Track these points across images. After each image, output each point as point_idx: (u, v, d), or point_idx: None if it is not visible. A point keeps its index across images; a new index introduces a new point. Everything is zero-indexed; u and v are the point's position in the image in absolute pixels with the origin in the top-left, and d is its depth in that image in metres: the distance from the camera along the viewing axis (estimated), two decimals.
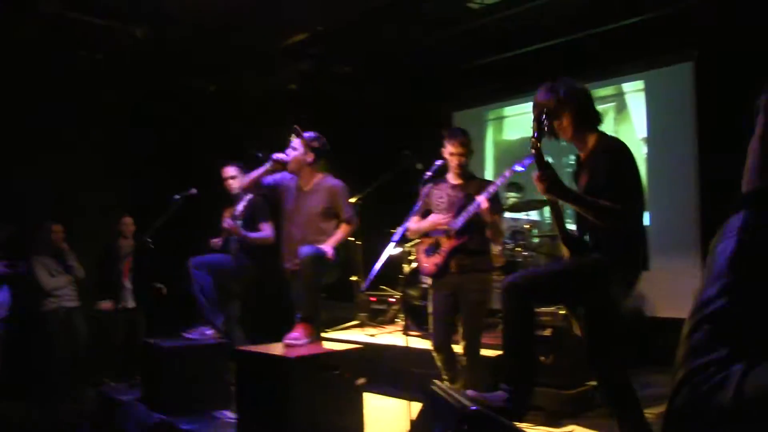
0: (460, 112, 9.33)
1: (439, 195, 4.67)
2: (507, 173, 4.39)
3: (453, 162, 4.60)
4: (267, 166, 4.84)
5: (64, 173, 6.94)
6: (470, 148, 4.65)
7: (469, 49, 7.72)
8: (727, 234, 0.98)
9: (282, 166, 4.83)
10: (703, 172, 6.72)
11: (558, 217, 3.40)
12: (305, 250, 4.55)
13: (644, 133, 7.37)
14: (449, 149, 4.59)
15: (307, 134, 4.87)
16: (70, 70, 6.49)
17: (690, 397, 0.91)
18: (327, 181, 4.94)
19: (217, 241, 5.98)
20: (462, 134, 4.62)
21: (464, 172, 4.66)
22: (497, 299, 3.60)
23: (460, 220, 4.46)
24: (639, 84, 7.47)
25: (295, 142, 4.90)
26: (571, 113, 3.36)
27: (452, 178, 4.68)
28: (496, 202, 4.46)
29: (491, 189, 4.35)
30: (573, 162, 3.70)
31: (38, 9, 5.54)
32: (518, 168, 4.31)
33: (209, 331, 5.39)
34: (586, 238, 3.41)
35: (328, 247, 4.65)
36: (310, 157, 4.87)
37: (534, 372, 3.38)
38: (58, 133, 6.77)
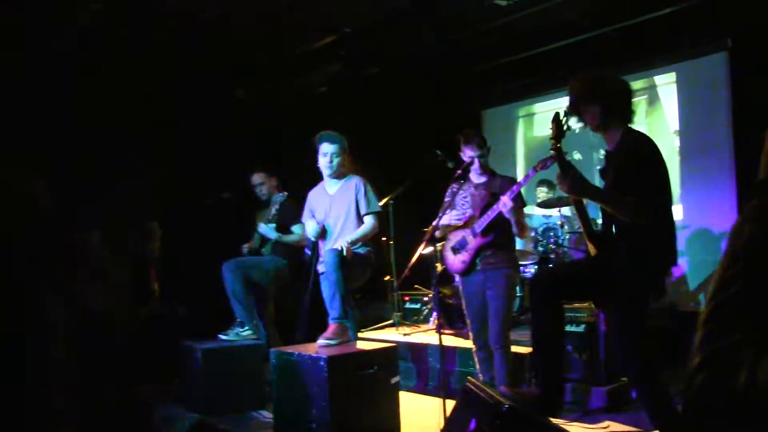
0: (490, 109, 9.32)
1: (463, 195, 4.74)
2: (531, 173, 4.42)
3: (474, 162, 4.64)
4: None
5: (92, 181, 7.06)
6: (487, 146, 4.70)
7: (498, 47, 7.69)
8: (743, 220, 0.99)
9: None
10: (738, 163, 6.62)
11: (582, 214, 3.40)
12: (326, 252, 4.62)
13: (676, 126, 7.28)
14: (468, 153, 4.63)
15: (333, 136, 4.94)
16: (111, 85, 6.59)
17: (705, 381, 0.91)
18: (351, 179, 5.00)
19: (250, 245, 6.07)
20: (476, 135, 4.67)
21: (486, 170, 4.72)
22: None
23: (485, 219, 4.51)
24: (670, 76, 7.38)
25: (325, 147, 4.96)
26: (598, 105, 3.34)
27: (474, 177, 4.74)
28: (519, 199, 4.49)
29: (515, 188, 4.37)
30: (603, 157, 3.67)
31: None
32: (540, 169, 4.36)
33: (244, 332, 5.46)
34: (613, 233, 3.38)
35: (342, 247, 4.69)
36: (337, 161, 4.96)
37: (564, 367, 3.37)
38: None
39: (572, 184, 3.23)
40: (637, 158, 3.22)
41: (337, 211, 4.99)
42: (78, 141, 5.82)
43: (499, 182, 4.64)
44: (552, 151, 3.35)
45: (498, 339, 4.51)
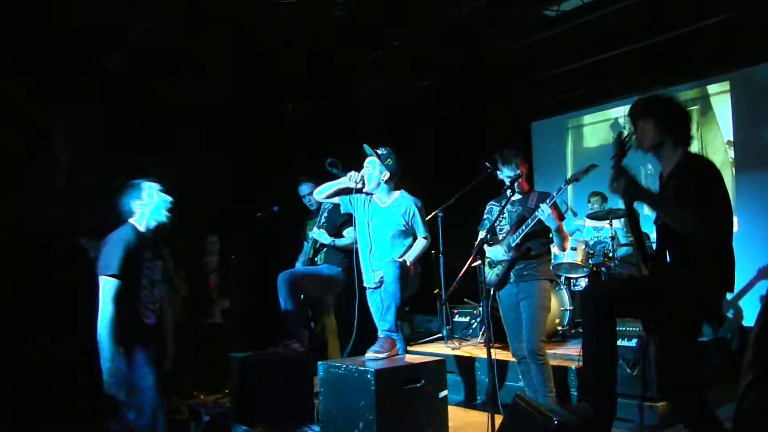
0: (538, 122, 9.26)
1: (501, 211, 4.78)
2: (563, 185, 4.57)
3: (512, 181, 4.68)
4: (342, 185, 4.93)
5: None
6: (525, 165, 4.74)
7: (547, 58, 7.65)
8: None
9: (357, 190, 4.93)
10: None
11: (637, 233, 3.33)
12: (385, 264, 4.61)
13: (730, 136, 7.13)
14: (506, 173, 4.68)
15: (380, 151, 4.92)
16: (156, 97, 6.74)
17: (759, 400, 0.89)
18: (404, 198, 4.97)
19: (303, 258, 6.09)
20: (514, 155, 4.70)
21: (522, 187, 4.78)
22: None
23: (519, 233, 4.61)
24: (724, 85, 7.23)
25: (368, 160, 4.96)
26: (650, 122, 3.26)
27: (514, 193, 4.77)
28: (556, 209, 4.58)
29: (552, 196, 4.51)
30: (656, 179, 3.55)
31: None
32: (571, 182, 4.61)
33: (295, 345, 5.48)
34: (668, 256, 3.29)
35: (405, 260, 4.70)
36: (385, 176, 4.91)
37: (615, 382, 3.29)
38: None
39: (626, 187, 3.16)
40: (697, 180, 3.09)
41: (386, 224, 4.96)
42: (133, 155, 5.96)
43: (536, 197, 4.69)
44: (612, 169, 3.30)
45: (532, 349, 4.52)
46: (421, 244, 4.89)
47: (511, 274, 4.69)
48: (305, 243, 6.16)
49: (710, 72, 7.25)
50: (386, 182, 4.94)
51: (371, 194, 5.01)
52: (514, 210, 4.77)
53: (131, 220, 3.99)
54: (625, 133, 3.42)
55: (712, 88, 7.35)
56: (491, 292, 4.88)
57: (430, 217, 6.62)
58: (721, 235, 3.12)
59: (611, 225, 6.61)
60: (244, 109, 7.23)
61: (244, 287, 7.26)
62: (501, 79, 8.21)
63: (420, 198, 4.97)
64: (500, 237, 4.80)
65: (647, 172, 7.85)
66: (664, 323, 3.27)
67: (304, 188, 6.22)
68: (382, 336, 4.58)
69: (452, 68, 7.70)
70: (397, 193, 4.99)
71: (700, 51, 6.93)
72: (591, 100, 8.49)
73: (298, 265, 6.06)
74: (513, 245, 4.65)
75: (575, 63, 7.68)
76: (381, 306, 4.71)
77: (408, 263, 4.67)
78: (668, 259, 3.27)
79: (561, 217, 4.68)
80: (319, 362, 4.56)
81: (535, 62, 7.79)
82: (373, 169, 4.90)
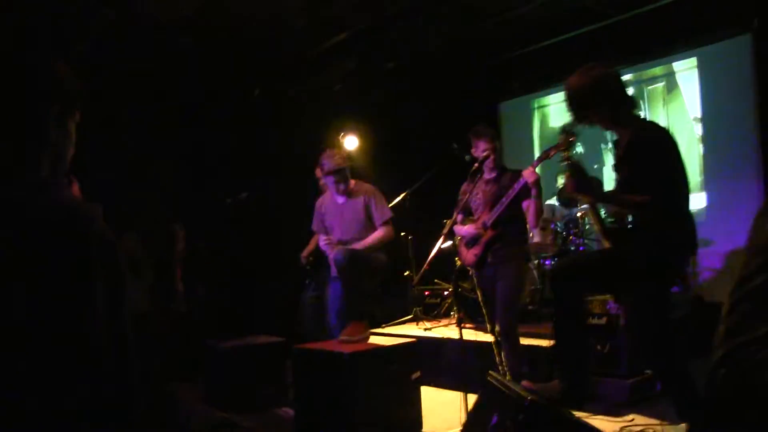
0: (506, 102, 9.28)
1: (475, 191, 4.80)
2: (535, 163, 4.53)
3: (486, 158, 4.69)
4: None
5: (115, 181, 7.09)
6: (498, 141, 4.80)
7: (513, 38, 7.64)
8: (765, 212, 0.97)
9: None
10: (764, 149, 6.52)
11: (595, 211, 3.38)
12: (339, 251, 4.65)
13: (697, 113, 7.20)
14: (481, 147, 4.70)
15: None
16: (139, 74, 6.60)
17: (729, 375, 0.90)
18: (360, 186, 5.00)
19: (309, 251, 6.03)
20: (487, 131, 4.74)
21: (496, 165, 4.79)
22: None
23: (494, 213, 4.61)
24: (691, 61, 7.29)
25: (336, 177, 4.96)
26: (605, 106, 3.28)
27: (486, 173, 4.80)
28: (527, 188, 4.52)
29: (534, 163, 4.49)
30: (610, 148, 3.65)
31: None
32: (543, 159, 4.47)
33: None
34: (627, 227, 3.35)
35: (361, 246, 4.77)
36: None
37: (588, 360, 3.33)
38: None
39: (578, 184, 3.22)
40: (647, 152, 3.17)
41: (348, 221, 5.00)
42: (102, 142, 5.85)
43: (509, 177, 4.69)
44: (564, 162, 3.35)
45: (505, 329, 4.57)
46: (381, 233, 4.95)
47: (489, 255, 4.69)
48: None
49: (678, 48, 7.28)
50: (346, 189, 5.01)
51: (331, 188, 5.07)
52: (488, 189, 4.77)
53: None
54: (569, 125, 3.43)
55: (678, 65, 7.39)
56: (469, 273, 4.92)
57: (398, 200, 6.63)
58: (676, 206, 3.18)
59: (578, 205, 6.67)
60: (212, 94, 7.13)
61: (215, 275, 7.20)
62: (468, 60, 8.19)
63: (386, 181, 4.99)
64: (475, 216, 4.81)
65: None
66: (630, 291, 3.33)
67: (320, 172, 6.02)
68: (352, 321, 4.58)
69: (418, 50, 7.66)
70: (353, 182, 5.06)
71: (667, 28, 6.96)
72: (557, 80, 8.50)
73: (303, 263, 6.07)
74: (489, 224, 4.64)
75: (541, 42, 7.69)
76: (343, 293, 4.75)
77: (358, 250, 4.72)
78: (628, 229, 3.33)
79: (539, 192, 4.61)
80: (294, 346, 4.56)
81: (501, 42, 7.78)
82: (341, 182, 4.96)
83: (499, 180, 4.73)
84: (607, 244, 3.39)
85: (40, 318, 1.22)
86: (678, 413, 3.22)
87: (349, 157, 4.93)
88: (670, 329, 3.24)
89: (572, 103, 3.36)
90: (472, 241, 4.79)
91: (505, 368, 4.65)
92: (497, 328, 4.63)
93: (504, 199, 4.54)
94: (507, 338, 4.57)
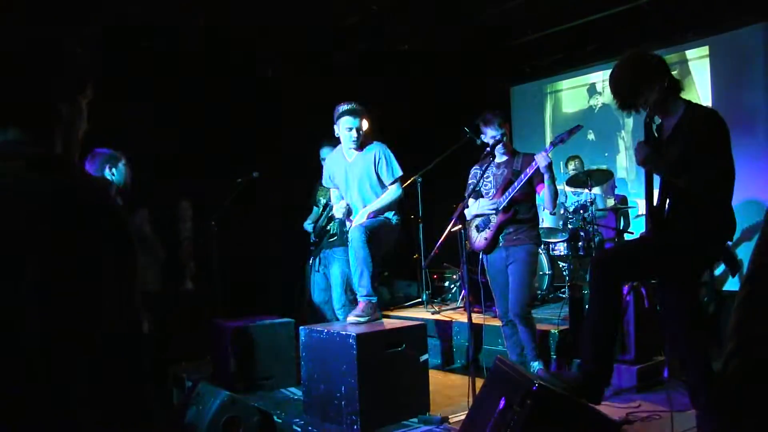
0: (518, 86, 9.24)
1: (487, 176, 4.78)
2: (549, 147, 4.49)
3: (497, 143, 4.65)
4: None
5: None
6: (508, 125, 4.76)
7: (526, 22, 7.58)
8: None
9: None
10: None
11: (650, 186, 3.35)
12: (353, 229, 4.58)
13: (708, 101, 7.15)
14: (490, 134, 4.66)
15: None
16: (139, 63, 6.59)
17: (741, 366, 0.89)
18: (370, 148, 4.84)
19: (316, 223, 5.96)
20: (497, 116, 4.68)
21: (507, 149, 4.77)
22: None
23: (506, 196, 4.59)
24: (703, 50, 7.23)
25: (352, 122, 4.83)
26: (658, 85, 3.25)
27: (498, 156, 4.78)
28: (550, 169, 4.51)
29: (547, 149, 4.46)
30: (622, 135, 3.59)
31: None
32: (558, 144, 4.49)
33: None
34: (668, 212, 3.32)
35: (366, 215, 4.66)
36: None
37: (612, 351, 3.32)
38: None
39: (647, 156, 3.20)
40: (707, 131, 3.15)
41: (357, 178, 4.83)
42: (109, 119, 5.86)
43: (521, 160, 4.67)
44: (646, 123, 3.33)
45: (520, 312, 4.56)
46: (391, 192, 4.79)
47: (500, 238, 4.69)
48: (314, 207, 6.08)
49: (690, 36, 7.23)
50: (360, 140, 4.81)
51: (340, 151, 4.96)
52: (499, 172, 4.75)
53: None
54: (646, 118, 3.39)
55: (690, 53, 7.35)
56: (479, 257, 4.90)
57: (408, 183, 6.62)
58: (728, 192, 3.17)
59: (590, 190, 6.64)
60: (218, 76, 7.10)
61: (224, 253, 7.22)
62: (480, 43, 8.13)
63: (399, 164, 4.88)
64: (493, 210, 4.76)
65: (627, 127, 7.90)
66: (668, 280, 3.32)
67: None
68: (362, 301, 4.58)
69: (431, 32, 7.61)
70: (365, 146, 4.86)
71: (680, 15, 6.90)
72: (569, 65, 8.45)
73: (308, 228, 6.03)
74: (500, 208, 4.63)
75: (554, 27, 7.63)
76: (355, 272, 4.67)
77: (364, 221, 4.61)
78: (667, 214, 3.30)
79: (552, 176, 4.60)
80: (301, 327, 4.58)
81: (513, 26, 7.72)
82: (358, 129, 4.76)
83: (511, 163, 4.71)
84: (649, 223, 3.36)
85: (48, 300, 1.21)
86: (692, 401, 3.20)
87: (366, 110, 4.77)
88: (703, 317, 3.24)
89: (622, 90, 3.32)
90: (482, 225, 4.78)
91: (523, 353, 4.67)
92: (509, 312, 4.64)
93: (516, 183, 4.53)
94: (522, 321, 4.58)
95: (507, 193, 4.60)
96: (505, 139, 4.67)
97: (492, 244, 4.73)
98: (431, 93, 8.55)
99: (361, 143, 4.80)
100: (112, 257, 1.26)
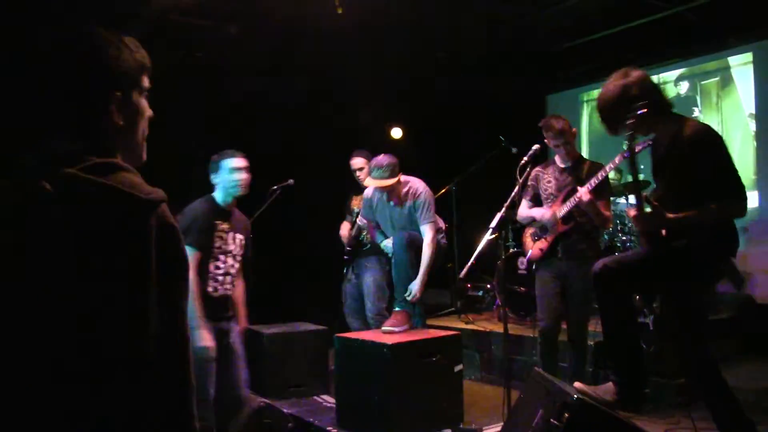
0: (555, 94, 9.17)
1: (547, 179, 4.56)
2: (617, 159, 4.13)
3: (557, 149, 4.46)
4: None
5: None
6: (570, 131, 4.47)
7: (563, 30, 7.52)
8: None
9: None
10: None
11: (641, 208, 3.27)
12: (396, 236, 4.59)
13: (752, 109, 7.01)
14: (552, 142, 4.44)
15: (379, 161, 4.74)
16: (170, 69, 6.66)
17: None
18: (409, 187, 4.85)
19: (348, 234, 5.89)
20: (558, 122, 4.42)
21: (572, 154, 4.52)
22: None
23: (567, 206, 4.35)
24: (747, 56, 7.10)
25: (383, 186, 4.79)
26: (645, 107, 3.14)
27: (560, 161, 4.55)
28: (600, 188, 4.28)
29: (599, 176, 4.20)
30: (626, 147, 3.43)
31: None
32: (618, 162, 4.17)
33: None
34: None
35: (414, 234, 4.68)
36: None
37: (637, 360, 3.24)
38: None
39: (648, 222, 3.11)
40: (697, 150, 3.02)
41: (400, 227, 4.88)
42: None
43: (585, 168, 4.43)
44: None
45: (579, 335, 4.42)
46: (428, 240, 4.72)
47: (558, 249, 4.45)
48: (347, 215, 6.06)
49: (733, 43, 7.09)
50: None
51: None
52: (562, 178, 4.50)
53: (213, 193, 4.10)
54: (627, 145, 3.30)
55: (733, 60, 7.20)
56: (532, 266, 4.74)
57: (443, 192, 6.60)
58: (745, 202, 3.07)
59: (627, 200, 6.54)
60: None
61: (260, 261, 7.25)
62: (516, 52, 8.09)
63: (431, 172, 4.84)
64: (546, 206, 4.57)
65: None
66: (668, 294, 3.25)
67: (356, 162, 5.77)
68: (396, 310, 4.57)
69: (468, 41, 7.58)
70: (402, 182, 4.84)
71: (722, 22, 6.78)
72: (606, 74, 8.34)
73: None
74: (560, 217, 4.40)
75: (591, 35, 7.56)
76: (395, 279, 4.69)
77: (413, 237, 4.65)
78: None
79: (603, 196, 4.36)
80: (336, 335, 4.57)
81: (551, 34, 7.67)
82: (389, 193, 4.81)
83: (574, 170, 4.46)
84: (643, 242, 3.29)
85: (114, 304, 1.23)
86: (714, 418, 3.08)
87: (394, 166, 4.74)
88: (704, 333, 3.12)
89: (611, 111, 3.26)
90: (540, 232, 4.58)
91: (545, 367, 4.55)
92: (568, 333, 4.49)
93: (572, 199, 4.27)
94: (579, 335, 4.42)
95: (568, 203, 4.35)
96: (566, 146, 4.42)
97: (547, 255, 4.50)
98: (466, 100, 8.51)
99: (406, 184, 4.83)
100: (166, 267, 1.28)
